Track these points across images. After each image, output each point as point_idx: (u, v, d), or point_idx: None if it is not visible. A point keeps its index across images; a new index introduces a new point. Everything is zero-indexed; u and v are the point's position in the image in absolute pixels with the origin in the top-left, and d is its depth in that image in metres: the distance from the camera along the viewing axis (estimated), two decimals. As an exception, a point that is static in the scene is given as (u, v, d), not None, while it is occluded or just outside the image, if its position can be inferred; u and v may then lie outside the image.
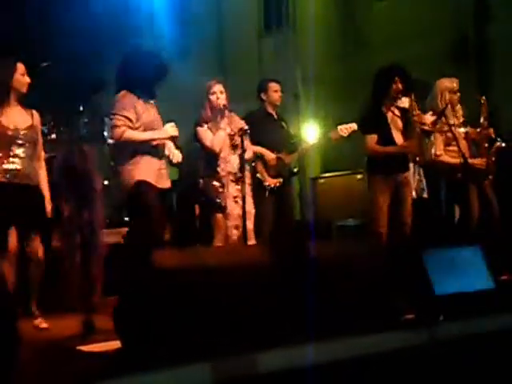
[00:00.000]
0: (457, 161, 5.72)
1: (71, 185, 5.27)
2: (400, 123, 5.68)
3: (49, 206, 4.82)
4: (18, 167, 4.62)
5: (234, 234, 5.17)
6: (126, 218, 6.95)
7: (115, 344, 3.38)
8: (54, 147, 5.44)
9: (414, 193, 5.98)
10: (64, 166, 5.41)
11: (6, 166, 4.58)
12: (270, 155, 6.01)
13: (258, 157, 5.89)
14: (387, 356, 3.16)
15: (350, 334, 3.19)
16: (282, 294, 3.31)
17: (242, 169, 5.23)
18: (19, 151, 4.63)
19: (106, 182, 6.95)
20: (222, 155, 5.28)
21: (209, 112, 5.36)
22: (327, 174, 9.03)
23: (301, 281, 3.31)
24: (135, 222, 4.92)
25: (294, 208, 7.03)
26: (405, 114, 5.70)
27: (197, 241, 6.19)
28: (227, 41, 12.48)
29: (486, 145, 6.05)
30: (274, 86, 6.17)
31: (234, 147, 5.30)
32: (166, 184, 4.81)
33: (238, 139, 5.19)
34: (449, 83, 5.95)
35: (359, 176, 7.59)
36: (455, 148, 5.69)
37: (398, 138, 5.64)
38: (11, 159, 4.59)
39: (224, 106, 5.27)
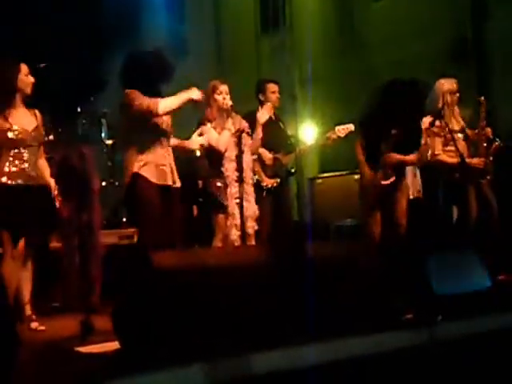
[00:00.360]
0: (455, 160, 5.71)
1: (69, 186, 5.26)
2: None
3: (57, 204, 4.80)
4: (28, 169, 4.60)
5: (235, 233, 5.18)
6: (124, 219, 6.97)
7: (114, 345, 3.37)
8: (52, 148, 5.42)
9: (410, 193, 5.98)
10: (62, 167, 5.40)
11: (16, 169, 4.55)
12: (267, 155, 6.02)
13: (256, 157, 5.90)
14: (387, 356, 3.16)
15: (349, 334, 3.19)
16: (280, 294, 3.31)
17: (239, 169, 5.24)
18: (28, 153, 4.61)
19: (103, 183, 6.96)
20: (226, 155, 5.29)
21: (214, 111, 5.37)
22: (325, 175, 9.03)
23: (299, 281, 3.31)
24: (131, 216, 4.96)
25: (292, 208, 7.03)
26: None
27: (195, 241, 6.19)
28: (224, 41, 12.48)
29: (485, 144, 6.05)
30: (272, 86, 6.17)
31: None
32: (165, 181, 4.80)
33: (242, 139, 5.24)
34: (449, 85, 5.91)
35: (357, 176, 7.58)
36: (453, 148, 5.69)
37: None
38: (21, 161, 4.58)
39: (231, 106, 5.29)
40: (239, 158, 5.25)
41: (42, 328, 4.66)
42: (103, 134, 7.43)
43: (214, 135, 5.30)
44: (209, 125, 5.32)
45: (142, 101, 4.65)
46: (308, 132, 9.98)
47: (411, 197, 6.00)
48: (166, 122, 4.84)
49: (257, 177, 5.90)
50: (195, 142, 5.19)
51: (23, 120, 4.64)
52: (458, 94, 5.95)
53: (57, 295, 5.48)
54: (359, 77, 9.37)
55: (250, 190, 5.33)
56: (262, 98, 6.13)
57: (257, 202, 5.48)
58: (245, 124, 5.41)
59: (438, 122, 5.74)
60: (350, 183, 7.80)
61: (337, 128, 6.11)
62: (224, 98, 5.32)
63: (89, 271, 5.25)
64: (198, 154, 5.61)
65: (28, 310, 4.68)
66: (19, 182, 4.54)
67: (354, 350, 3.11)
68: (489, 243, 5.65)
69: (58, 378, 3.32)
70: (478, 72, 8.70)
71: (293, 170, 6.37)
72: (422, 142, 5.66)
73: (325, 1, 10.89)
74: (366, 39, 10.07)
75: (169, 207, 4.83)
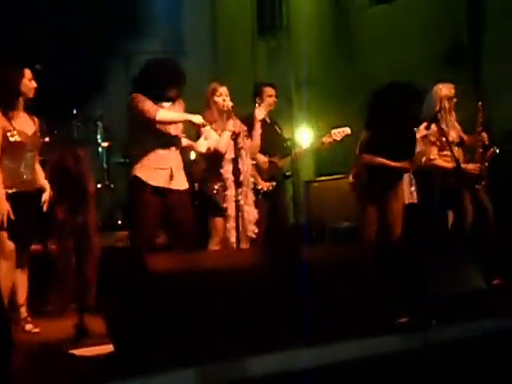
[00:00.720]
0: (450, 165, 5.71)
1: (65, 188, 5.26)
2: None
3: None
4: (29, 175, 4.62)
5: (232, 235, 5.17)
6: (119, 222, 6.97)
7: (108, 348, 3.36)
8: (47, 150, 5.42)
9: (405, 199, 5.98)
10: (58, 169, 5.40)
11: (20, 175, 4.56)
12: (262, 158, 6.02)
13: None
14: (381, 359, 3.16)
15: (344, 337, 3.19)
16: (276, 297, 3.30)
17: (235, 171, 5.23)
18: (29, 158, 4.63)
19: (99, 185, 6.95)
20: (226, 156, 5.30)
21: (214, 113, 5.38)
22: (321, 178, 9.03)
23: (294, 284, 3.31)
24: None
25: (288, 211, 7.03)
26: None
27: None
28: (221, 44, 12.47)
29: (481, 150, 6.06)
30: (268, 90, 6.18)
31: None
32: (164, 184, 4.83)
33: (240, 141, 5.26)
34: (447, 90, 5.90)
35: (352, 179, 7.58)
36: (449, 153, 5.69)
37: None
38: (24, 167, 4.59)
39: (232, 107, 5.30)
40: (236, 161, 5.25)
41: (37, 330, 4.65)
42: (99, 136, 7.42)
43: (215, 137, 5.31)
44: (208, 127, 5.33)
45: (144, 104, 4.74)
46: (304, 135, 9.97)
47: (406, 202, 6.00)
48: (174, 125, 4.90)
49: (253, 180, 5.90)
50: (203, 144, 5.20)
51: (24, 124, 4.64)
52: (455, 100, 5.95)
53: (52, 297, 5.46)
54: (355, 80, 9.38)
55: (249, 193, 5.34)
56: (258, 101, 6.12)
57: (253, 206, 5.49)
58: (243, 127, 5.41)
59: (433, 126, 5.74)
60: (345, 186, 7.78)
61: (333, 131, 6.12)
62: (224, 100, 5.33)
63: (85, 273, 5.24)
64: (193, 157, 5.61)
65: (23, 312, 4.68)
66: (14, 189, 4.54)
67: (349, 353, 3.11)
68: (484, 248, 5.66)
69: (51, 381, 3.31)
70: (474, 76, 8.70)
71: (289, 173, 6.38)
72: (418, 149, 5.66)
73: (322, 4, 10.88)
74: (362, 43, 10.07)
75: (169, 209, 4.86)
